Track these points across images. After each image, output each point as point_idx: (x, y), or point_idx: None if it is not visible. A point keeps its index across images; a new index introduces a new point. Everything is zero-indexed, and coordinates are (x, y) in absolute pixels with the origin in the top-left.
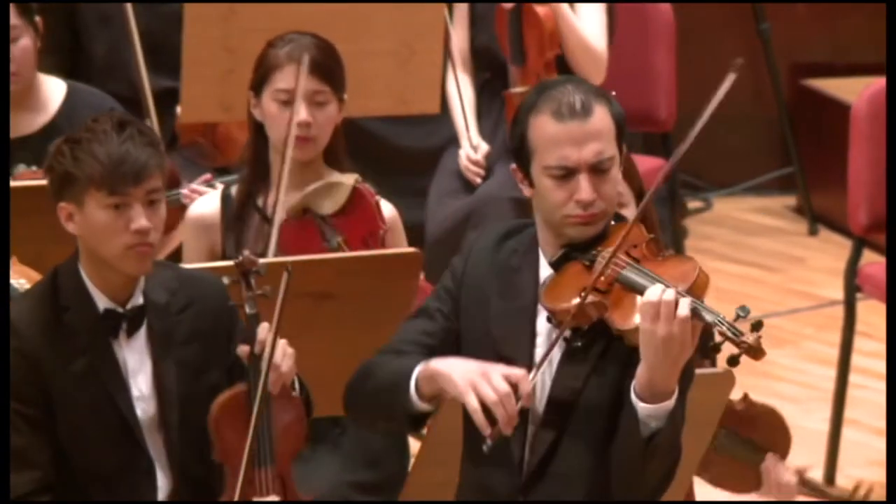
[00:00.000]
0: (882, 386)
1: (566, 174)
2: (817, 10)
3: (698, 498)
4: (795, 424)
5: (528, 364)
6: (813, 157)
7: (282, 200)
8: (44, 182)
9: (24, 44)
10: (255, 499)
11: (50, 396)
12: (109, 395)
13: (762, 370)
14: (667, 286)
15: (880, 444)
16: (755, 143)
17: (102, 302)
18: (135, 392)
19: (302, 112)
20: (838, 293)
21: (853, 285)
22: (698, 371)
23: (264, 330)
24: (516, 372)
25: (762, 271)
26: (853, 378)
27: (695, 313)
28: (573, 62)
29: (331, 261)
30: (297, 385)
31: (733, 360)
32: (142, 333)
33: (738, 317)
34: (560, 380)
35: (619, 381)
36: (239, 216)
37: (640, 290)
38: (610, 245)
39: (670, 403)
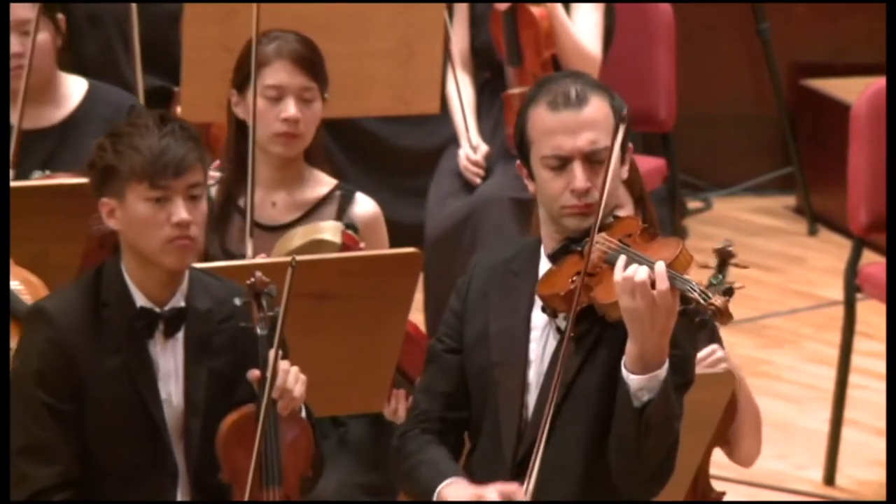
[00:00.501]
0: (882, 386)
1: (561, 164)
2: (817, 9)
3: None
4: (795, 424)
5: (523, 360)
6: (813, 157)
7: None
8: (44, 182)
9: (41, 38)
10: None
11: (81, 391)
12: (140, 395)
13: (762, 370)
14: (643, 261)
15: (880, 445)
16: (755, 143)
17: (140, 300)
18: (163, 395)
19: (291, 108)
20: (838, 293)
21: (853, 285)
22: (698, 371)
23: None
24: (509, 487)
25: (762, 271)
26: (853, 378)
27: (670, 282)
28: (565, 64)
29: (331, 261)
30: (304, 410)
31: (702, 324)
32: (179, 337)
33: (710, 284)
34: (552, 370)
35: (612, 369)
36: (220, 217)
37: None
38: (622, 230)
39: (661, 372)
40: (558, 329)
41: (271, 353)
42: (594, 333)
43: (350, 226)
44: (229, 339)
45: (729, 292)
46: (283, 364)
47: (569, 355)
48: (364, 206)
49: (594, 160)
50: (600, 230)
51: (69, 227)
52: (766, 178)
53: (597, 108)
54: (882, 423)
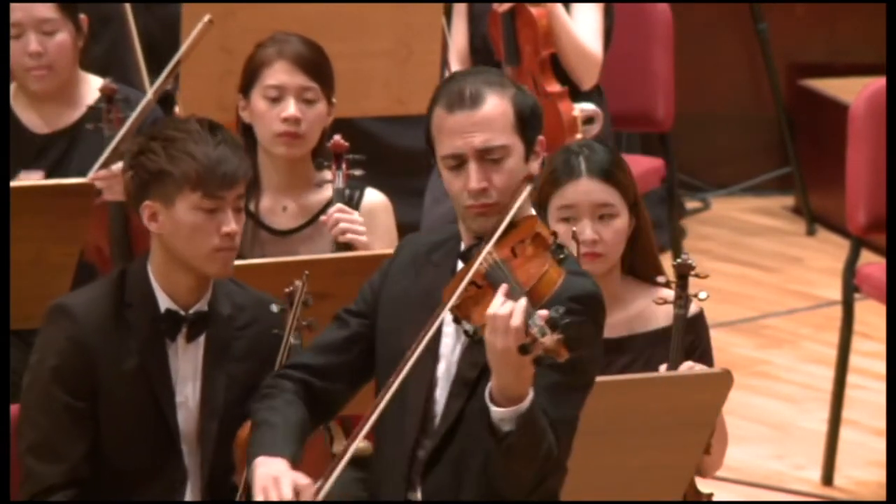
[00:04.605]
0: (880, 386)
1: (458, 164)
2: (815, 10)
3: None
4: (793, 424)
5: (433, 354)
6: (811, 157)
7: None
8: (44, 182)
9: (60, 39)
10: None
11: (96, 390)
12: (155, 398)
13: (760, 370)
14: (513, 287)
15: (878, 445)
16: (753, 143)
17: (166, 303)
18: (179, 398)
19: (291, 107)
20: (836, 293)
21: (851, 285)
22: (696, 372)
23: None
24: (303, 481)
25: (760, 271)
26: (851, 378)
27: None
28: (566, 63)
29: (330, 261)
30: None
31: (537, 360)
32: (200, 341)
33: (550, 318)
34: (459, 373)
35: None
36: None
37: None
38: (517, 237)
39: (523, 406)
40: (465, 331)
41: None
42: None
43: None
44: (248, 346)
45: (567, 328)
46: None
47: (473, 357)
48: (372, 196)
49: (489, 158)
50: (509, 231)
51: (68, 227)
52: (765, 179)
53: (493, 106)
54: (880, 423)
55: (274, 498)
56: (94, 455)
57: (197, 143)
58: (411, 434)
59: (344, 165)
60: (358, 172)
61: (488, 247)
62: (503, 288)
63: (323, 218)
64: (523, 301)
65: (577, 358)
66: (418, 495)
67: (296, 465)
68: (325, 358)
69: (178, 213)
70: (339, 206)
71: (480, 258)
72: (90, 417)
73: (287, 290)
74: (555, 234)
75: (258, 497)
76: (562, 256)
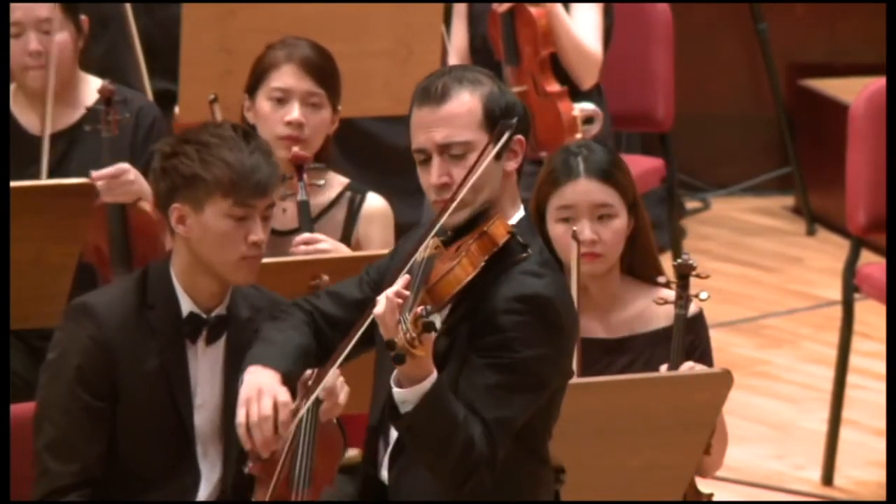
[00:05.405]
0: (880, 386)
1: (425, 158)
2: (815, 10)
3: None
4: (793, 425)
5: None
6: (811, 157)
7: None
8: (44, 182)
9: (61, 38)
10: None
11: (116, 391)
12: (173, 399)
13: (760, 370)
14: (414, 281)
15: (878, 445)
16: (753, 143)
17: (188, 306)
18: (198, 401)
19: (296, 111)
20: (836, 293)
21: (851, 285)
22: (696, 372)
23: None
24: (284, 398)
25: (760, 271)
26: (851, 378)
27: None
28: (565, 63)
29: (330, 261)
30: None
31: (398, 358)
32: (219, 344)
33: (419, 317)
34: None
35: (463, 358)
36: None
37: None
38: (471, 235)
39: (424, 386)
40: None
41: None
42: (466, 325)
43: None
44: None
45: (429, 327)
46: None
47: (435, 348)
48: (373, 201)
49: (451, 154)
50: (473, 226)
51: (68, 227)
52: (765, 179)
53: (459, 103)
54: (880, 423)
55: (253, 414)
56: (109, 455)
57: (231, 150)
58: (374, 422)
59: (306, 177)
60: (321, 182)
61: (427, 240)
62: (403, 280)
63: (298, 238)
64: (397, 294)
65: (522, 358)
66: (383, 477)
67: (289, 383)
68: (337, 309)
69: (207, 218)
70: (305, 236)
71: (420, 250)
72: (108, 418)
73: (314, 282)
74: (512, 233)
75: (241, 407)
76: (523, 256)
